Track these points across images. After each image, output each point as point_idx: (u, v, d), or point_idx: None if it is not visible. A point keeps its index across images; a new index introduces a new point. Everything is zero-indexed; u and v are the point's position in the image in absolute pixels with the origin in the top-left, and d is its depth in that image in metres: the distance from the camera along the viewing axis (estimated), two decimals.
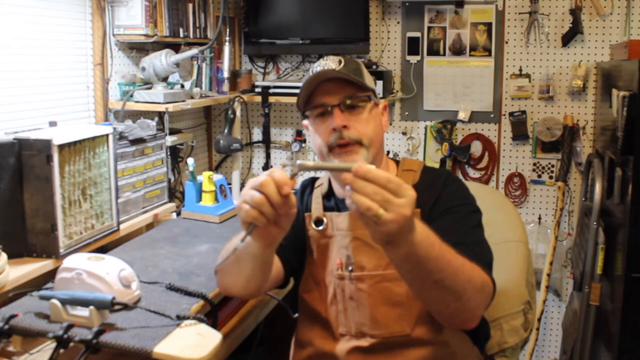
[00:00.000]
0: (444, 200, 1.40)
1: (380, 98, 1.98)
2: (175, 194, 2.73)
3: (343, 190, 1.46)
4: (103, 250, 1.87)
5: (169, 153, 2.40)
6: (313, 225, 1.48)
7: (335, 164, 1.11)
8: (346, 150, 1.37)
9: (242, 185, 3.19)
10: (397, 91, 3.10)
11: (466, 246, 1.27)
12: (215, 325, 1.50)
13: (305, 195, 1.57)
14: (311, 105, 1.42)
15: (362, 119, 1.39)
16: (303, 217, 1.52)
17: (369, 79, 1.44)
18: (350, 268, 1.41)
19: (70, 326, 1.27)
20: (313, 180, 1.60)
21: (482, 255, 1.31)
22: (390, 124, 3.15)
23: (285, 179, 1.10)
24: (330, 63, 1.41)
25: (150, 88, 2.43)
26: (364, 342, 1.39)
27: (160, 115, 2.62)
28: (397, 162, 1.53)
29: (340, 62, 1.41)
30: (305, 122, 1.48)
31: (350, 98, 1.39)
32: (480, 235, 1.38)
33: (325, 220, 1.47)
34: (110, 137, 1.88)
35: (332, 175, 1.52)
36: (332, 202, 1.50)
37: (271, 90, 3.02)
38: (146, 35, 2.37)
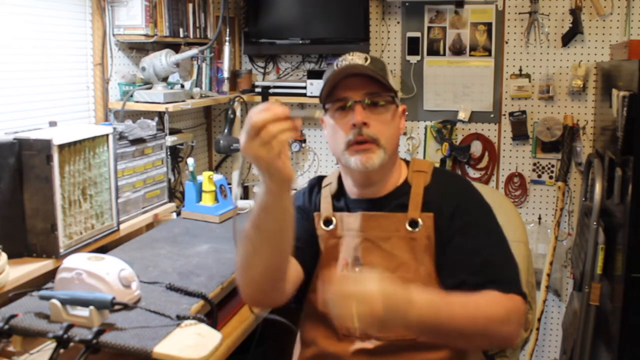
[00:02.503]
0: (465, 211, 1.38)
1: None
2: (175, 194, 2.73)
3: (358, 189, 1.45)
4: (103, 250, 1.87)
5: (169, 153, 2.40)
6: (322, 225, 1.47)
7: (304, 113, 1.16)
8: (363, 147, 1.35)
9: (243, 186, 3.20)
10: (397, 91, 3.10)
11: (492, 266, 1.31)
12: (215, 325, 1.50)
13: (313, 194, 1.54)
14: (333, 99, 1.39)
15: (383, 119, 1.37)
16: (313, 216, 1.50)
17: (392, 81, 1.43)
18: (358, 269, 1.40)
19: (70, 326, 1.27)
20: (320, 179, 1.58)
21: (508, 273, 1.34)
22: None
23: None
24: (356, 59, 1.39)
25: (150, 88, 2.43)
26: (369, 344, 1.38)
27: (160, 115, 2.62)
28: (407, 163, 1.51)
29: (366, 59, 1.39)
30: (322, 117, 1.46)
31: (373, 95, 1.37)
32: (505, 251, 1.38)
33: (334, 220, 1.46)
34: (110, 137, 1.88)
35: (345, 174, 1.48)
36: (342, 202, 1.48)
37: (271, 90, 3.02)
38: (146, 35, 2.37)
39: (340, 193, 1.50)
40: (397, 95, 1.44)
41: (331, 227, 1.46)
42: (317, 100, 3.00)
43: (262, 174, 1.16)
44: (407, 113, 1.51)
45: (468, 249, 1.35)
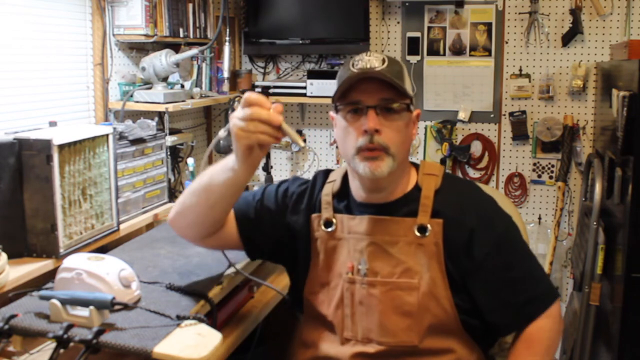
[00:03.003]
0: (490, 226, 1.38)
1: None
2: (175, 194, 2.73)
3: (366, 194, 1.41)
4: (103, 250, 1.86)
5: (169, 153, 2.40)
6: (322, 227, 1.44)
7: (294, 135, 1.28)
8: (373, 154, 1.32)
9: None
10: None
11: (528, 281, 1.37)
12: (215, 325, 1.50)
13: (316, 191, 1.50)
14: (346, 101, 1.34)
15: (395, 127, 1.33)
16: (308, 217, 1.47)
17: (409, 85, 1.39)
18: (363, 272, 1.38)
19: (70, 326, 1.27)
20: (326, 174, 1.53)
21: (541, 283, 1.40)
22: None
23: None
24: (373, 60, 1.34)
25: (150, 88, 2.43)
26: (370, 348, 1.37)
27: (160, 115, 2.62)
28: (416, 166, 1.47)
29: (383, 61, 1.34)
30: (333, 114, 1.41)
31: (388, 101, 1.32)
32: (533, 257, 1.42)
33: (335, 221, 1.44)
34: (110, 137, 1.88)
35: (353, 177, 1.44)
36: (344, 203, 1.45)
37: (271, 90, 3.02)
38: (146, 35, 2.37)
39: (343, 194, 1.47)
40: (413, 100, 1.40)
41: (331, 229, 1.44)
42: (317, 100, 3.01)
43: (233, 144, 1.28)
44: (419, 117, 1.47)
45: (504, 266, 1.36)
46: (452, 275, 1.36)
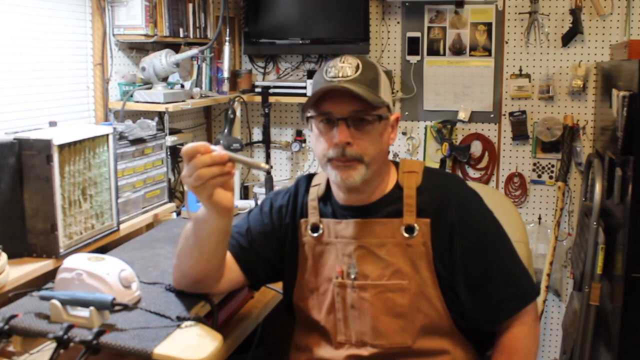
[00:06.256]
0: (472, 222, 1.37)
1: None
2: (175, 194, 2.73)
3: (345, 195, 1.41)
4: (103, 250, 1.87)
5: (169, 153, 2.40)
6: (309, 232, 1.44)
7: (249, 160, 1.28)
8: (345, 164, 1.31)
9: (242, 186, 3.20)
10: (397, 91, 3.10)
11: (509, 276, 1.38)
12: (215, 325, 1.50)
13: (299, 197, 1.49)
14: (318, 111, 1.32)
15: (368, 137, 1.31)
16: (295, 223, 1.46)
17: (385, 90, 1.35)
18: (353, 276, 1.38)
19: (70, 327, 1.27)
20: (309, 178, 1.52)
21: (522, 279, 1.40)
22: None
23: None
24: (346, 68, 1.30)
25: (150, 88, 2.43)
26: (364, 352, 1.37)
27: (160, 115, 2.62)
28: (396, 164, 1.46)
29: (357, 68, 1.30)
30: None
31: (359, 113, 1.29)
32: (513, 253, 1.41)
33: (321, 226, 1.43)
34: (110, 137, 1.88)
35: (332, 180, 1.43)
36: (329, 207, 1.44)
37: (271, 90, 3.02)
38: (146, 35, 2.37)
39: (327, 197, 1.45)
40: (390, 106, 1.37)
41: (317, 234, 1.43)
42: None
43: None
44: (399, 120, 1.47)
45: (485, 262, 1.36)
46: (442, 275, 1.36)
